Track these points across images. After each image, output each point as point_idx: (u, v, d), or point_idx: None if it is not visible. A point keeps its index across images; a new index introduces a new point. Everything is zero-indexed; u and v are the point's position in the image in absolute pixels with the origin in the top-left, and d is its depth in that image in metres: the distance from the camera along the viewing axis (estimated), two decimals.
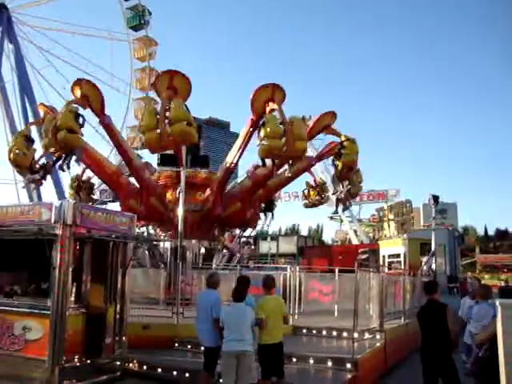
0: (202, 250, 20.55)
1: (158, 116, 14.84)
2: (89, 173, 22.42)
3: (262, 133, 15.14)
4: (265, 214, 24.78)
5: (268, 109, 16.10)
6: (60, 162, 17.09)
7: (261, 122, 15.78)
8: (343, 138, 18.49)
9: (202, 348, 8.20)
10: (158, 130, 14.64)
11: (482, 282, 11.47)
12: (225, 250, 22.07)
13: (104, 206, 23.73)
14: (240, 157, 19.31)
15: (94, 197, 24.61)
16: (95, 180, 24.20)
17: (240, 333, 7.08)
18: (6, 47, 44.48)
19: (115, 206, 22.71)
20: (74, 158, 17.81)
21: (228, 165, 19.37)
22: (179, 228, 15.71)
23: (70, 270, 8.51)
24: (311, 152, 25.09)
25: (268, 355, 7.50)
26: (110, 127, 18.73)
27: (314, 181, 23.87)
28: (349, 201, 22.44)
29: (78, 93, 17.37)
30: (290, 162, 16.74)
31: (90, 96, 17.45)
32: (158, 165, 17.99)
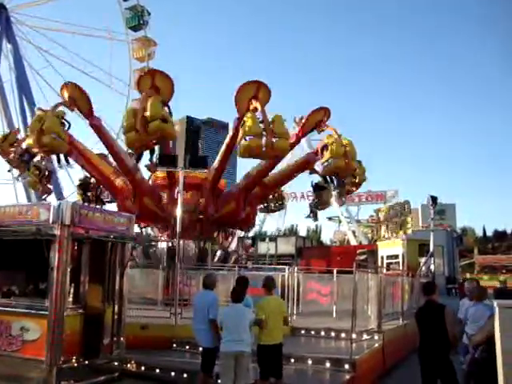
0: (195, 251, 20.55)
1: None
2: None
3: (241, 132, 15.17)
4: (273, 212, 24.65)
5: (251, 107, 16.07)
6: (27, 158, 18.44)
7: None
8: (327, 140, 18.43)
9: (201, 349, 8.20)
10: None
11: (481, 283, 11.46)
12: (219, 250, 22.02)
13: (103, 207, 23.77)
14: (229, 156, 19.33)
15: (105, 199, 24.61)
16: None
17: (238, 333, 7.08)
18: (4, 47, 44.48)
19: (113, 207, 22.72)
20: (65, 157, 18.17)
21: (217, 165, 19.40)
22: (176, 228, 15.71)
23: (68, 270, 8.52)
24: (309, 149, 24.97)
25: (267, 356, 7.50)
26: (98, 128, 18.78)
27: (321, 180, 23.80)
28: (345, 196, 22.43)
29: (66, 95, 17.58)
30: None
31: (77, 98, 17.72)
32: (157, 165, 17.96)
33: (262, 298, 7.93)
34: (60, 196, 38.56)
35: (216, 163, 19.63)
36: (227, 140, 18.89)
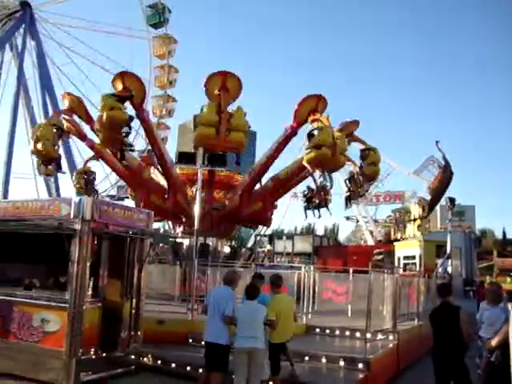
0: (226, 249, 20.79)
1: (219, 115, 15.26)
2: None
3: (315, 140, 15.22)
4: (318, 210, 24.56)
5: (311, 118, 16.31)
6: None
7: (309, 130, 16.03)
8: (364, 147, 18.67)
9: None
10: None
11: (503, 285, 11.29)
12: (226, 247, 22.23)
13: (121, 202, 24.04)
14: (274, 161, 19.42)
15: (111, 193, 25.04)
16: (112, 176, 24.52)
17: (252, 330, 7.16)
18: (28, 44, 45.15)
19: (132, 203, 22.96)
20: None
21: (261, 167, 19.52)
22: (195, 225, 15.87)
23: (88, 264, 8.68)
24: None
25: (278, 353, 7.64)
26: (147, 122, 18.99)
27: (315, 183, 23.78)
28: (361, 193, 22.34)
29: (120, 85, 17.49)
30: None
31: (133, 89, 17.53)
32: (176, 163, 18.17)
33: (270, 296, 8.05)
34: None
35: (258, 167, 19.73)
36: (274, 145, 19.01)
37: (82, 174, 23.47)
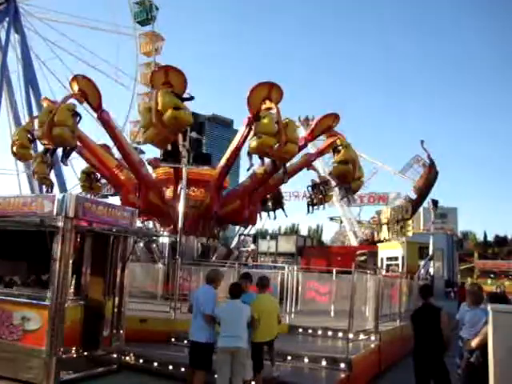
0: (199, 246, 20.64)
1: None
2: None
3: (256, 129, 15.27)
4: (274, 212, 24.83)
5: (264, 107, 16.17)
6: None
7: (256, 119, 15.95)
8: (339, 142, 18.85)
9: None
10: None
11: (484, 287, 11.42)
12: (221, 247, 22.13)
13: (105, 200, 23.84)
14: (237, 154, 19.41)
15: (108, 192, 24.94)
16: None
17: (235, 329, 7.16)
18: (12, 38, 44.53)
19: (116, 200, 22.81)
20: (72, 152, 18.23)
21: (225, 162, 19.47)
22: (179, 224, 15.80)
23: (70, 262, 8.59)
24: (312, 149, 25.15)
25: (260, 352, 7.66)
26: (107, 122, 18.87)
27: (319, 177, 24.03)
28: (348, 196, 22.62)
29: (76, 88, 17.59)
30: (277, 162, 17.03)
31: (88, 91, 17.74)
32: (161, 161, 18.07)
33: (255, 296, 8.09)
34: (63, 188, 38.62)
35: (224, 160, 19.66)
36: (237, 138, 18.97)
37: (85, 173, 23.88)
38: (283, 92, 16.58)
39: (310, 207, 24.24)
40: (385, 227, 50.64)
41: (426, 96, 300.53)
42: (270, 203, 24.47)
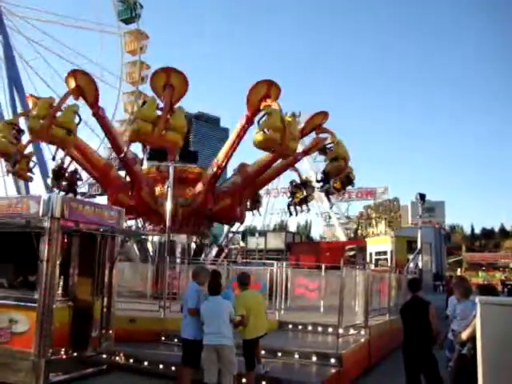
0: (193, 245, 20.60)
1: (157, 112, 14.99)
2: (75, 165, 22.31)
3: (264, 124, 15.19)
4: (252, 212, 24.85)
5: (264, 105, 16.20)
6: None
7: (261, 115, 15.90)
8: (330, 140, 18.93)
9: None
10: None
11: (474, 280, 11.56)
12: (215, 246, 22.14)
13: (92, 200, 23.67)
14: (233, 153, 19.36)
15: (81, 190, 24.52)
16: (84, 174, 23.98)
17: (217, 326, 7.11)
18: None
19: (103, 200, 22.64)
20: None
21: (220, 161, 19.39)
22: (167, 222, 15.74)
23: (58, 263, 8.52)
24: (299, 147, 25.18)
25: (251, 349, 7.66)
26: (102, 118, 18.71)
27: (300, 178, 23.99)
28: (338, 194, 22.73)
29: (73, 83, 17.31)
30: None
31: (85, 87, 17.43)
32: (148, 159, 18.01)
33: (230, 293, 8.11)
34: (49, 188, 38.30)
35: (220, 158, 19.55)
36: (232, 136, 18.92)
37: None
38: (281, 89, 16.68)
39: (293, 209, 23.78)
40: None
41: (425, 95, 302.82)
42: (248, 203, 24.34)
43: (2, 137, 19.81)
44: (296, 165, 22.35)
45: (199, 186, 20.03)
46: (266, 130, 15.03)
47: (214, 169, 19.66)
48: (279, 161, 20.59)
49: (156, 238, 19.95)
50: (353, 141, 19.93)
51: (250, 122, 17.07)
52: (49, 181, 26.45)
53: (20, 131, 20.45)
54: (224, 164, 19.53)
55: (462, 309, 7.96)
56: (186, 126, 16.41)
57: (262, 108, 16.29)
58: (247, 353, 7.75)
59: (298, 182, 23.64)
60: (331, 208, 52.46)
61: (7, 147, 19.80)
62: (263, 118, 15.42)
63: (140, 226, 22.22)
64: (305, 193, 22.93)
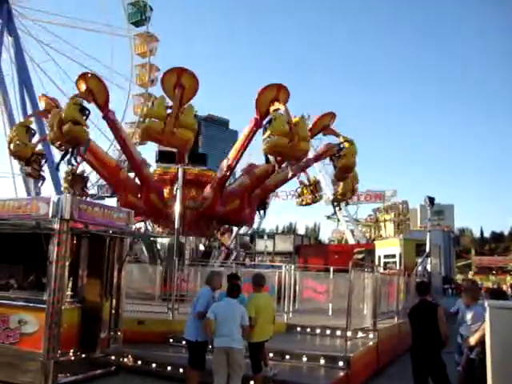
0: (202, 248, 20.62)
1: (168, 111, 15.01)
2: (85, 167, 22.45)
3: (269, 130, 15.22)
4: (259, 213, 24.87)
5: (272, 108, 16.21)
6: (67, 156, 17.17)
7: (267, 120, 15.92)
8: (342, 139, 18.77)
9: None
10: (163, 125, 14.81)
11: (485, 283, 11.48)
12: (222, 248, 22.14)
13: (101, 202, 23.78)
14: (242, 155, 19.36)
15: (91, 192, 24.63)
16: (93, 175, 24.13)
17: (229, 329, 7.12)
18: (5, 40, 44.34)
19: (113, 202, 22.74)
20: (80, 150, 17.96)
21: (229, 162, 19.40)
22: (176, 224, 15.76)
23: (67, 264, 8.57)
24: (310, 152, 25.20)
25: (258, 352, 7.64)
26: (112, 121, 18.78)
27: (308, 179, 24.01)
28: (345, 201, 22.69)
29: (83, 86, 17.38)
30: (291, 161, 16.90)
31: (95, 90, 17.50)
32: (156, 161, 18.05)
33: (251, 295, 8.07)
34: (59, 190, 38.53)
35: (229, 161, 19.56)
36: (241, 139, 18.93)
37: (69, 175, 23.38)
38: (290, 93, 16.67)
39: (300, 201, 24.30)
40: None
41: (424, 95, 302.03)
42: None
43: (18, 140, 20.15)
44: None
45: (208, 189, 20.06)
46: (272, 136, 15.07)
47: (223, 172, 19.69)
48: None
49: (165, 240, 19.98)
50: (361, 143, 19.70)
51: (258, 124, 17.06)
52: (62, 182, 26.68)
53: (31, 133, 20.61)
54: (232, 166, 19.55)
55: (472, 313, 7.90)
56: (196, 124, 16.45)
57: (271, 112, 16.29)
58: (254, 355, 7.74)
59: (307, 182, 23.80)
60: (333, 215, 52.47)
61: (23, 150, 20.28)
62: (268, 125, 15.49)
63: (149, 227, 22.30)
64: (312, 193, 23.09)
